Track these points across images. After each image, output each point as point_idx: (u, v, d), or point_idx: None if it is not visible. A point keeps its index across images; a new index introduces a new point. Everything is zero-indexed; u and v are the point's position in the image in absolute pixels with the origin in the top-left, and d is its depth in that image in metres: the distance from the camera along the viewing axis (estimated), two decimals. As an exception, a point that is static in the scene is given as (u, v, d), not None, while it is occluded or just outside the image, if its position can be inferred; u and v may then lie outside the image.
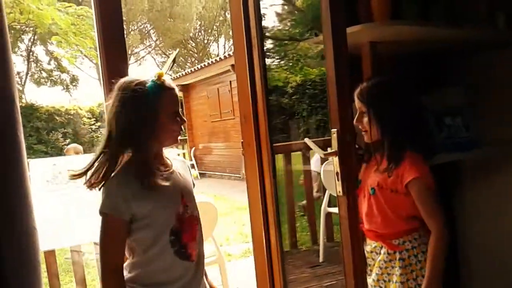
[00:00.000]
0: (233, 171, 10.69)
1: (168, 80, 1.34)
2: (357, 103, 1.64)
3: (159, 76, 1.31)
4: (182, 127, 1.38)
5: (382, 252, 1.63)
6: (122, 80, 1.33)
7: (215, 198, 7.88)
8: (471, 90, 2.33)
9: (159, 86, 1.30)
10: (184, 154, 12.40)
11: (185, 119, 1.39)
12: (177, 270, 1.34)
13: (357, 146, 1.85)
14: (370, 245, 1.69)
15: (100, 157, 1.29)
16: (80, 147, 5.30)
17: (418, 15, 1.84)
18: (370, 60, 1.81)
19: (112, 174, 1.29)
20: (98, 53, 1.71)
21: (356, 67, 1.83)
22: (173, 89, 1.35)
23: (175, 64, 1.46)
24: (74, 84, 19.42)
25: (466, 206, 2.52)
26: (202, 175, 11.97)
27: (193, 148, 12.64)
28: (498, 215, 2.39)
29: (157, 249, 1.31)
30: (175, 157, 1.48)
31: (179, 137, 1.38)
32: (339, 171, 1.61)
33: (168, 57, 20.70)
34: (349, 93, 1.58)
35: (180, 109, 1.37)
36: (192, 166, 12.16)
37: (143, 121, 1.27)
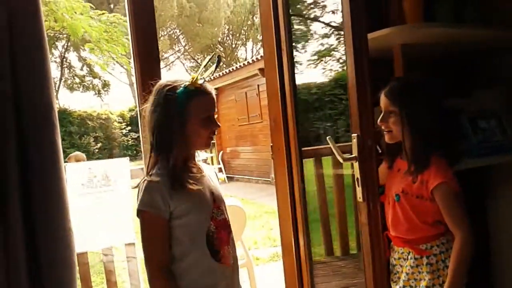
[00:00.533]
0: (260, 174, 10.70)
1: (204, 84, 1.36)
2: (384, 102, 1.60)
3: (193, 81, 1.32)
4: (216, 131, 1.40)
5: (409, 257, 1.59)
6: (159, 82, 1.37)
7: (242, 201, 7.91)
8: (507, 92, 2.27)
9: (191, 92, 1.32)
10: (212, 158, 12.49)
11: (219, 124, 1.40)
12: (216, 274, 1.35)
13: (379, 150, 1.82)
14: (397, 252, 1.66)
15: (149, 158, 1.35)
16: (82, 155, 5.40)
17: (451, 17, 1.80)
18: (402, 63, 1.79)
19: (149, 174, 1.32)
20: (131, 59, 1.75)
21: (388, 69, 1.82)
22: (207, 94, 1.36)
23: (220, 64, 1.47)
24: (105, 89, 19.89)
25: (499, 210, 2.46)
26: (229, 178, 12.03)
27: (221, 152, 12.72)
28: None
29: (196, 254, 1.32)
30: (204, 164, 1.50)
31: (211, 141, 1.40)
32: (359, 177, 1.59)
33: (197, 61, 20.95)
34: (371, 98, 1.57)
35: (214, 114, 1.38)
36: (220, 169, 12.24)
37: (172, 125, 1.30)
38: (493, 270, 2.50)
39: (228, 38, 22.40)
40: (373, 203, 1.66)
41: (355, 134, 1.55)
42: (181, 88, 1.31)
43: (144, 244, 1.31)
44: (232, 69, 11.41)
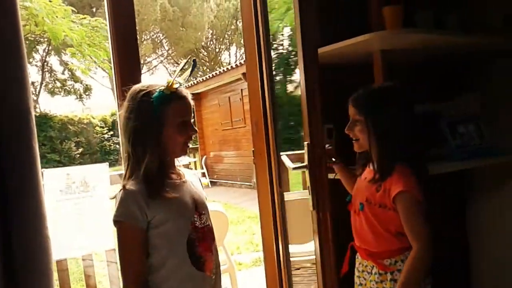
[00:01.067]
0: (244, 179, 10.69)
1: (180, 88, 1.32)
2: (350, 110, 1.58)
3: (169, 85, 1.29)
4: (193, 137, 1.38)
5: (373, 272, 1.55)
6: (133, 87, 1.33)
7: (225, 206, 7.89)
8: (486, 98, 2.32)
9: (166, 96, 1.28)
10: (195, 162, 12.44)
11: (196, 129, 1.37)
12: (196, 282, 1.32)
13: (333, 159, 1.84)
14: (362, 264, 1.62)
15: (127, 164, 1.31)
16: None
17: (431, 23, 1.83)
18: (382, 68, 1.80)
19: (126, 183, 1.28)
20: (112, 63, 1.73)
21: (368, 75, 1.83)
22: (183, 98, 1.32)
23: (195, 69, 1.43)
24: (87, 93, 19.65)
25: (479, 213, 2.50)
26: (213, 183, 11.99)
27: (204, 157, 12.67)
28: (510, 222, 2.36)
29: (175, 261, 1.29)
30: (186, 169, 1.47)
31: (188, 148, 1.36)
32: (309, 185, 1.61)
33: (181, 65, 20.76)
34: (321, 109, 1.63)
35: (191, 119, 1.35)
36: (203, 174, 12.19)
37: (147, 131, 1.27)
38: (473, 271, 2.54)
39: (211, 42, 22.37)
40: (322, 212, 1.69)
41: (306, 143, 1.57)
42: (156, 93, 1.28)
43: (120, 254, 1.28)
44: (216, 73, 11.40)
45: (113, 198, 1.30)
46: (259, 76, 2.01)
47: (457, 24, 1.97)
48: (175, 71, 1.37)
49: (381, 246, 1.51)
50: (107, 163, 2.14)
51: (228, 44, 22.47)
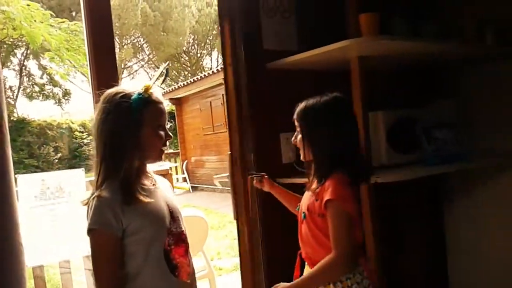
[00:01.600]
0: (225, 184, 10.65)
1: (156, 93, 1.31)
2: (295, 121, 1.60)
3: (146, 89, 1.28)
4: (168, 142, 1.35)
5: None
6: (108, 91, 1.31)
7: (206, 211, 7.85)
8: (461, 103, 2.37)
9: (144, 100, 1.27)
10: (176, 167, 12.35)
11: (170, 134, 1.36)
12: None
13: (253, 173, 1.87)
14: None
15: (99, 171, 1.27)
16: None
17: (407, 31, 1.86)
18: (359, 75, 1.83)
19: (99, 189, 1.25)
20: (88, 66, 1.72)
21: (347, 81, 1.85)
22: (160, 103, 1.32)
23: (167, 77, 1.43)
24: (66, 98, 19.36)
25: (455, 215, 2.56)
26: (194, 188, 11.92)
27: (186, 162, 12.60)
28: (486, 224, 2.42)
29: (151, 269, 1.26)
30: (157, 176, 1.45)
31: (163, 153, 1.35)
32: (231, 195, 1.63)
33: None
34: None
35: (166, 124, 1.34)
36: (184, 179, 12.11)
37: (125, 134, 1.24)
38: (450, 270, 2.59)
39: (193, 47, 22.32)
40: (241, 221, 1.72)
41: (228, 153, 1.60)
42: (135, 95, 1.26)
43: (94, 264, 1.24)
44: (197, 78, 11.37)
45: (85, 204, 1.27)
46: (234, 81, 2.02)
47: (432, 32, 2.01)
48: (156, 76, 1.37)
49: (322, 255, 1.46)
50: (83, 169, 2.11)
51: (209, 49, 22.45)
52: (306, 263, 1.60)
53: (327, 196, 1.42)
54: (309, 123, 1.53)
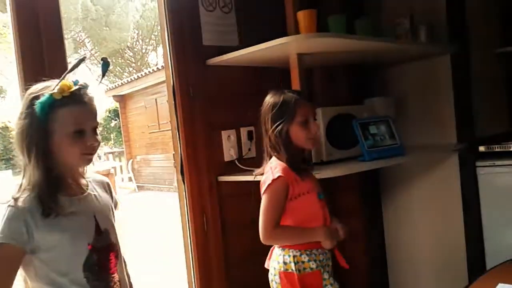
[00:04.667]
0: (172, 183, 10.50)
1: (79, 92, 1.16)
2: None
3: (61, 88, 1.12)
4: (95, 147, 1.20)
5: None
6: (29, 89, 1.18)
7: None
8: (397, 100, 2.46)
9: (55, 102, 1.11)
10: (121, 166, 12.03)
11: (97, 138, 1.19)
12: None
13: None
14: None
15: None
16: None
17: (343, 29, 1.89)
18: (298, 72, 1.84)
19: (16, 198, 1.12)
20: (16, 61, 1.61)
21: (287, 79, 1.87)
22: (80, 103, 1.16)
23: (106, 70, 1.31)
24: (2, 95, 18.31)
25: (393, 209, 2.66)
26: (140, 187, 11.66)
27: (131, 160, 12.29)
28: (419, 216, 2.54)
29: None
30: (96, 176, 1.33)
31: (91, 157, 1.20)
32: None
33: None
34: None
35: (90, 127, 1.18)
36: (130, 179, 11.81)
37: (32, 140, 1.12)
38: (389, 262, 2.69)
39: (137, 43, 21.77)
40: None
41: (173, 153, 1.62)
42: (44, 97, 1.11)
43: None
44: (142, 74, 11.12)
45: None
46: (174, 77, 1.99)
47: (368, 30, 2.06)
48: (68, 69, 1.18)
49: None
50: (11, 171, 1.98)
51: (155, 44, 21.98)
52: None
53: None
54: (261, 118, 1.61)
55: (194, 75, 1.99)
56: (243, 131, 2.14)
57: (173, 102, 1.98)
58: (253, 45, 1.81)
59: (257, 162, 2.12)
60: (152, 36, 21.24)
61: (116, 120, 14.97)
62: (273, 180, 1.48)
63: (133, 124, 12.54)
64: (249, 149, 2.15)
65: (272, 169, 1.52)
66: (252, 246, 2.10)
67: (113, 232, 1.27)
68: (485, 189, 2.37)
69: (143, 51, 21.96)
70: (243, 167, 2.08)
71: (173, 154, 2.14)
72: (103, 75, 1.32)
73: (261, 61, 2.09)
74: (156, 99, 11.01)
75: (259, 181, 1.69)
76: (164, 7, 1.94)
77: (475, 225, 2.38)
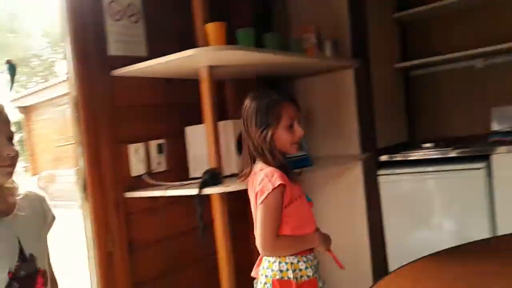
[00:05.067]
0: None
1: None
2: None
3: None
4: (13, 159, 1.10)
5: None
6: None
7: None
8: (305, 112, 2.54)
9: None
10: (26, 184, 11.17)
11: (15, 149, 1.10)
12: None
13: None
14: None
15: None
16: None
17: (252, 43, 1.92)
18: (208, 84, 1.83)
19: None
20: None
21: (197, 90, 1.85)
22: None
23: (14, 75, 1.18)
24: None
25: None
26: (48, 205, 10.92)
27: (37, 176, 11.48)
28: (327, 222, 2.63)
29: None
30: (29, 194, 1.21)
31: (10, 170, 1.10)
32: None
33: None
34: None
35: (5, 137, 1.09)
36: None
37: None
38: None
39: (45, 51, 20.58)
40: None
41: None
42: None
43: None
44: (48, 84, 10.49)
45: None
46: (77, 88, 1.89)
47: (277, 44, 2.11)
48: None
49: None
50: None
51: (64, 53, 20.94)
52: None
53: None
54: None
55: (98, 86, 1.90)
56: (153, 144, 2.07)
57: (76, 114, 1.88)
58: (162, 56, 1.78)
59: (169, 175, 2.08)
60: (62, 44, 20.23)
61: (22, 132, 13.97)
62: (273, 189, 1.41)
63: (39, 137, 11.76)
64: (159, 163, 2.09)
65: (268, 176, 1.44)
66: (166, 264, 2.05)
67: (42, 258, 1.15)
68: (387, 196, 2.53)
69: (51, 59, 20.80)
70: (153, 182, 2.01)
71: (77, 169, 2.03)
72: (13, 80, 1.20)
73: (171, 73, 2.06)
74: (65, 111, 10.43)
75: (170, 196, 1.65)
76: (66, 14, 1.84)
77: (378, 230, 2.52)
